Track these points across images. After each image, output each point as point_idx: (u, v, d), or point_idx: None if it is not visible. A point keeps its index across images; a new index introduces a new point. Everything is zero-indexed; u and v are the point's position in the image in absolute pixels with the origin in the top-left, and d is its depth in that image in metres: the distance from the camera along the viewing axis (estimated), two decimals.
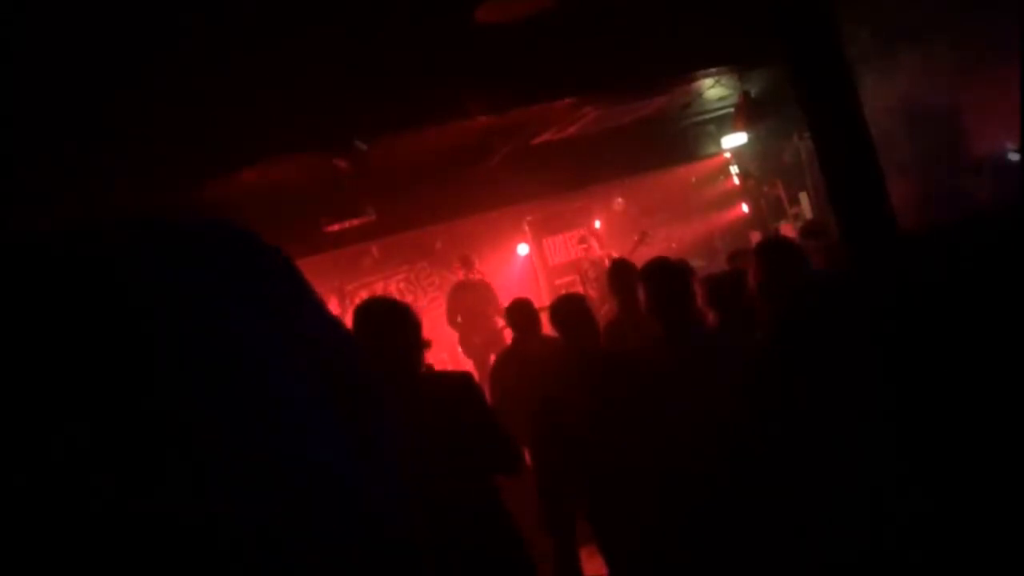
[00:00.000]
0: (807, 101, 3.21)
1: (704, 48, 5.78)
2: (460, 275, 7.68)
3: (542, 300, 6.55)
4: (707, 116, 8.55)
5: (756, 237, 7.90)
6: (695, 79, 6.80)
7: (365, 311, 2.53)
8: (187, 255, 0.71)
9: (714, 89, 7.43)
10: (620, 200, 9.34)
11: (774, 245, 3.00)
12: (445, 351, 7.55)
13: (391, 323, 2.47)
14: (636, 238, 8.40)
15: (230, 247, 0.75)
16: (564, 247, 9.34)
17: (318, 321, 0.82)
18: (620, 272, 3.92)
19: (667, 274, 2.94)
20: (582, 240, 8.61)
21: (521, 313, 4.01)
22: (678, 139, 8.59)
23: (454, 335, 7.59)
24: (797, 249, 3.01)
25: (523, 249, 9.13)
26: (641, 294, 2.97)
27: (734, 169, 9.34)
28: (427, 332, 3.01)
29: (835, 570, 2.04)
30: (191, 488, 0.62)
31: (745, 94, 7.44)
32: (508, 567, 2.55)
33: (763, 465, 2.25)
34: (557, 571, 3.23)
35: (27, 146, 3.64)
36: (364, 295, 7.64)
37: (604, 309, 5.94)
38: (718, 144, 8.77)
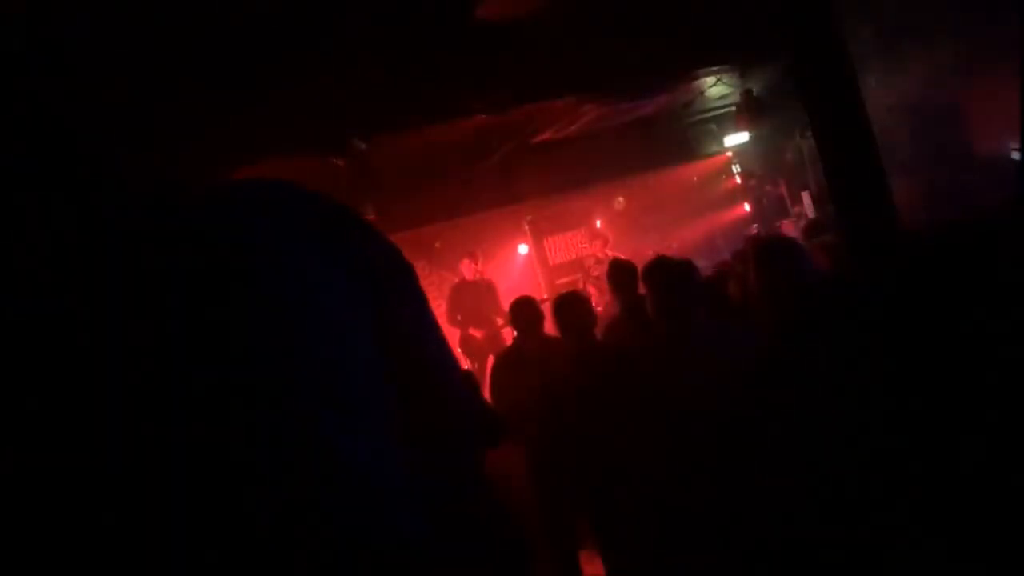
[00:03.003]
0: (809, 99, 3.19)
1: (705, 46, 5.76)
2: (467, 270, 7.63)
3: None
4: (709, 115, 8.53)
5: None
6: (696, 77, 6.79)
7: None
8: (288, 219, 0.74)
9: (715, 87, 7.40)
10: (621, 199, 9.31)
11: (770, 243, 2.97)
12: None
13: None
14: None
15: (330, 217, 0.79)
16: (564, 247, 9.30)
17: (417, 316, 0.84)
18: (620, 271, 3.90)
19: (667, 272, 2.92)
20: (593, 238, 8.60)
21: (523, 312, 3.97)
22: (679, 138, 8.57)
23: (454, 334, 7.57)
24: (795, 247, 2.98)
25: (523, 249, 9.10)
26: (645, 292, 2.95)
27: (736, 168, 9.31)
28: None
29: (836, 568, 2.03)
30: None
31: (747, 92, 7.42)
32: (508, 569, 2.53)
33: (764, 465, 2.24)
34: (557, 573, 3.22)
35: None
36: None
37: (603, 308, 5.92)
38: (720, 143, 8.75)
